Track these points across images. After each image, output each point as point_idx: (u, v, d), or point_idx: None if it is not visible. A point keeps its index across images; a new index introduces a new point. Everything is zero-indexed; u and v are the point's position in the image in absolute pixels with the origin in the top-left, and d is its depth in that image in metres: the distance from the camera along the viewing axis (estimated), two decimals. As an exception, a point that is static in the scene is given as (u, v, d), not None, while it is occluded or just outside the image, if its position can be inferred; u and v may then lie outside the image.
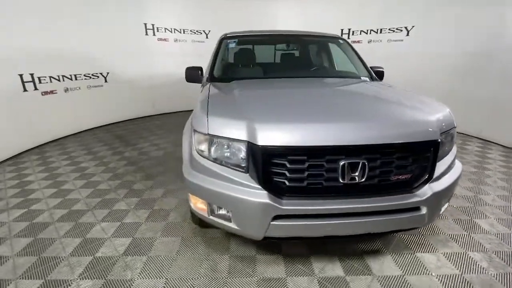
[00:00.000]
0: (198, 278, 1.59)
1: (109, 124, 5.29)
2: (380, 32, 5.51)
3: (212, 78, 2.39)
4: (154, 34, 5.77)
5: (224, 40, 2.78)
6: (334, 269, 1.66)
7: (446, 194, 1.50)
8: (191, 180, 1.51)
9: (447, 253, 1.78)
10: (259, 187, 1.35)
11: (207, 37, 6.42)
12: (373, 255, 1.78)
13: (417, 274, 1.62)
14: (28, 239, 1.95)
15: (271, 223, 1.34)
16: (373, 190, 1.40)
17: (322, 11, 6.05)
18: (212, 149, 1.46)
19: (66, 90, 4.46)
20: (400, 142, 1.36)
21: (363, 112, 1.59)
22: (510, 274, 1.61)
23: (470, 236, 1.96)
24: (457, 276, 1.60)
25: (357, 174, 1.32)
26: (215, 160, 1.46)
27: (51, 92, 4.21)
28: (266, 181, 1.35)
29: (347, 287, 1.53)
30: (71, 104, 4.55)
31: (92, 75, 4.92)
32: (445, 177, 1.53)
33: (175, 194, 2.58)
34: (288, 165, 1.33)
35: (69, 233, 2.03)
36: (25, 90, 3.77)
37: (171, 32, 6.04)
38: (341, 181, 1.33)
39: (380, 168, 1.37)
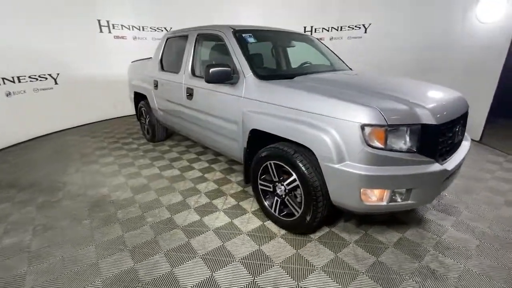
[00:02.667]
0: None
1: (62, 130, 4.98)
2: (341, 30, 5.80)
3: (261, 77, 2.20)
4: (110, 32, 5.48)
5: (240, 34, 2.54)
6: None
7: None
8: (371, 174, 1.55)
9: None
10: (431, 159, 1.66)
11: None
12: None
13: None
14: None
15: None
16: (458, 144, 2.03)
17: (284, 8, 6.19)
18: (391, 138, 1.56)
19: (8, 94, 4.11)
20: (466, 110, 2.04)
21: (434, 92, 2.03)
22: None
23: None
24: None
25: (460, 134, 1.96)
26: (391, 149, 1.57)
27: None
28: (434, 153, 1.67)
29: None
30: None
31: (39, 76, 4.54)
32: None
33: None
34: (442, 136, 1.71)
35: None
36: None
37: (129, 29, 5.77)
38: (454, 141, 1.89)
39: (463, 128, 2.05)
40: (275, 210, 2.15)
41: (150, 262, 1.83)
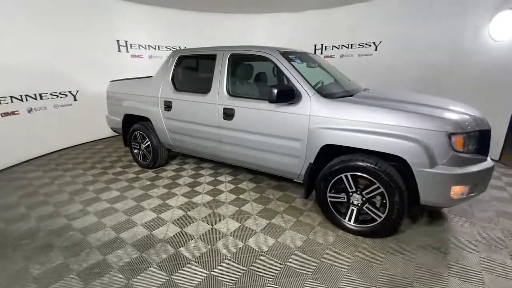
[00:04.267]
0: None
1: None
2: (351, 47, 5.92)
3: (325, 96, 2.33)
4: (127, 51, 5.73)
5: (287, 55, 2.62)
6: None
7: None
8: (459, 173, 1.89)
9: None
10: (485, 157, 2.06)
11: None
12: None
13: None
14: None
15: None
16: None
17: (295, 27, 6.40)
18: (467, 143, 1.94)
19: (30, 110, 4.29)
20: None
21: (466, 106, 2.46)
22: None
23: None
24: None
25: None
26: (466, 152, 1.93)
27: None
28: (486, 152, 2.08)
29: None
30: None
31: (60, 93, 4.74)
32: None
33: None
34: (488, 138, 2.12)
35: None
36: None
37: (146, 48, 6.06)
38: None
39: None
40: (349, 220, 2.28)
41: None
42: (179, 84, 3.29)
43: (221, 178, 3.54)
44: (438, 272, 1.88)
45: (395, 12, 5.19)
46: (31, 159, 4.35)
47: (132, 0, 5.52)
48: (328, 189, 2.31)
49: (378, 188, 2.08)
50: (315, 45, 6.35)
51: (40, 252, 2.12)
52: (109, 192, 3.18)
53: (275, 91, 2.26)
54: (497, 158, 4.04)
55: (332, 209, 2.35)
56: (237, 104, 2.73)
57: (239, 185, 3.32)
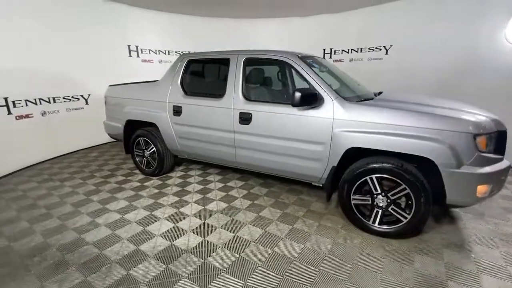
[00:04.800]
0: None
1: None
2: (361, 51, 5.81)
3: (348, 99, 2.39)
4: (138, 56, 5.87)
5: (305, 60, 2.65)
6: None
7: None
8: (484, 172, 1.97)
9: None
10: (502, 157, 2.13)
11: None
12: None
13: None
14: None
15: None
16: None
17: (304, 31, 6.35)
18: (488, 144, 2.02)
19: (44, 113, 4.40)
20: None
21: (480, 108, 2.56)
22: None
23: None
24: None
25: None
26: (488, 152, 2.02)
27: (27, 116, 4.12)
28: (503, 152, 2.15)
29: None
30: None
31: (72, 97, 4.84)
32: None
33: None
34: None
35: None
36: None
37: (156, 53, 6.17)
38: None
39: None
40: (373, 222, 2.30)
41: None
42: (189, 89, 3.20)
43: (231, 183, 3.48)
44: (468, 270, 1.94)
45: (407, 15, 5.10)
46: (19, 170, 4.05)
47: (143, 6, 5.66)
48: (352, 192, 2.33)
49: (404, 189, 2.12)
50: (324, 49, 6.31)
51: (56, 270, 1.96)
52: (116, 202, 3.02)
53: (299, 95, 2.25)
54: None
55: (356, 212, 2.37)
56: (255, 109, 2.69)
57: (251, 191, 3.26)
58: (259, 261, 2.05)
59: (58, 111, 4.60)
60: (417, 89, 4.96)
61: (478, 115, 2.16)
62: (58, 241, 2.31)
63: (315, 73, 2.50)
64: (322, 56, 6.30)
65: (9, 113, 3.88)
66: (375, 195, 2.26)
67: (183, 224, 2.56)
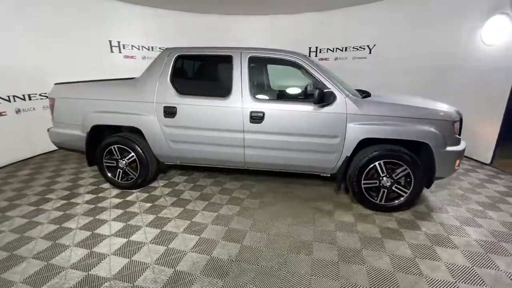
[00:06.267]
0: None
1: None
2: (345, 50, 5.92)
3: (356, 96, 2.69)
4: (120, 52, 5.66)
5: (311, 59, 2.81)
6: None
7: None
8: (461, 149, 2.60)
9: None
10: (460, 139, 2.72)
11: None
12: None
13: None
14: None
15: None
16: None
17: (291, 29, 6.31)
18: (458, 127, 2.64)
19: (18, 111, 4.16)
20: None
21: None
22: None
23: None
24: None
25: None
26: (459, 135, 2.67)
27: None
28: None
29: None
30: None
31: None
32: None
33: None
34: None
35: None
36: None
37: (139, 49, 5.97)
38: None
39: None
40: (381, 200, 2.70)
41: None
42: (184, 87, 2.89)
43: (228, 185, 3.36)
44: (457, 226, 2.54)
45: (390, 15, 5.27)
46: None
47: (127, 1, 5.40)
48: (363, 177, 2.67)
49: (405, 169, 2.58)
50: (310, 48, 6.32)
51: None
52: (106, 225, 2.49)
53: (321, 93, 2.43)
54: (488, 161, 4.13)
55: (366, 194, 2.72)
56: (267, 107, 2.70)
57: (252, 190, 3.24)
58: (307, 270, 2.13)
59: (34, 109, 4.35)
60: (400, 88, 5.02)
61: (450, 108, 2.80)
62: (63, 285, 1.78)
63: (327, 72, 2.70)
64: (308, 55, 6.57)
65: None
66: (381, 178, 2.66)
67: (210, 234, 2.35)
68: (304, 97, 2.68)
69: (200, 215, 2.67)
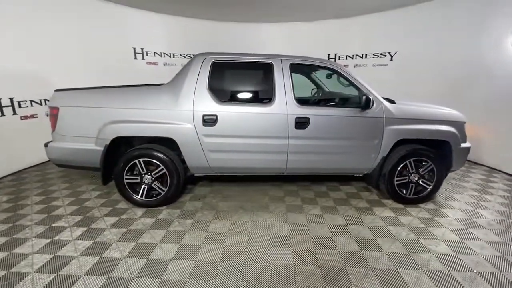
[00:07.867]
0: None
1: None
2: (366, 57, 5.82)
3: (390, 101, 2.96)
4: (143, 58, 5.89)
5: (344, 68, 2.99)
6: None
7: None
8: (468, 146, 3.00)
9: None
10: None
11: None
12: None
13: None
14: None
15: None
16: None
17: (310, 36, 6.30)
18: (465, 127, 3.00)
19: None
20: None
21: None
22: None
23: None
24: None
25: None
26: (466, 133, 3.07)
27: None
28: None
29: None
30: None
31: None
32: None
33: None
34: None
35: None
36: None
37: (161, 56, 6.18)
38: None
39: None
40: (410, 194, 3.02)
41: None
42: (222, 95, 2.76)
43: (257, 192, 3.30)
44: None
45: (412, 22, 5.14)
46: None
47: (149, 9, 5.62)
48: (395, 175, 2.95)
49: (430, 165, 2.95)
50: (328, 54, 6.26)
51: None
52: (158, 249, 2.21)
53: (368, 99, 2.65)
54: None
55: (397, 189, 3.00)
56: (313, 112, 2.77)
57: (306, 196, 3.26)
58: (374, 263, 2.26)
59: None
60: (422, 96, 4.70)
61: (457, 111, 3.22)
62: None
63: (360, 80, 2.92)
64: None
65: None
66: (410, 174, 2.98)
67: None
68: (346, 102, 2.85)
69: (264, 224, 2.58)
